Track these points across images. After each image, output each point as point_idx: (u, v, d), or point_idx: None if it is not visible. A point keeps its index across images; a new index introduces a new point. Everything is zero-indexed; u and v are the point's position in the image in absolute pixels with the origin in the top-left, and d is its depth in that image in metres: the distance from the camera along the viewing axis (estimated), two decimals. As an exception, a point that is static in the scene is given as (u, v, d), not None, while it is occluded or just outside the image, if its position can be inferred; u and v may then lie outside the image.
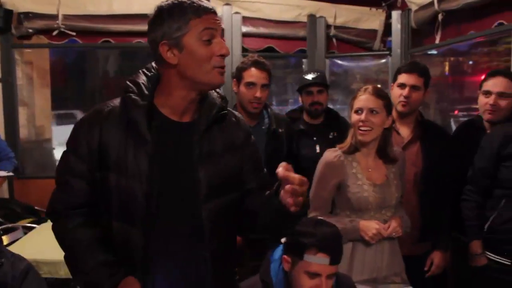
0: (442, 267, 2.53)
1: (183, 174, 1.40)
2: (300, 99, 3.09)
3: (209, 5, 1.35)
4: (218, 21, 1.36)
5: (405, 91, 2.48)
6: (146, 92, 1.39)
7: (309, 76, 2.99)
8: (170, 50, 1.34)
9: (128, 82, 1.41)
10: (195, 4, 1.33)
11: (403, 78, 2.51)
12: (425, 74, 2.53)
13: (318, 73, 3.03)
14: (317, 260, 1.64)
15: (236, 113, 1.59)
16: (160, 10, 1.34)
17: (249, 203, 1.50)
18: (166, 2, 1.35)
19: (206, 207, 1.40)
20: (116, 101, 1.43)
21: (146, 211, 1.36)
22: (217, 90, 1.50)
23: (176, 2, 1.34)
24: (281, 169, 1.25)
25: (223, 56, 1.36)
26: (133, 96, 1.37)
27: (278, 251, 1.78)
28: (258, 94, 2.51)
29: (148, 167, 1.35)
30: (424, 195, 2.51)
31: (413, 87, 2.48)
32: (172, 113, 1.41)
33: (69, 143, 1.45)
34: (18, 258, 2.00)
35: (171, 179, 1.39)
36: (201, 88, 1.40)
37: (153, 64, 1.46)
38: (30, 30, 4.10)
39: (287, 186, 1.24)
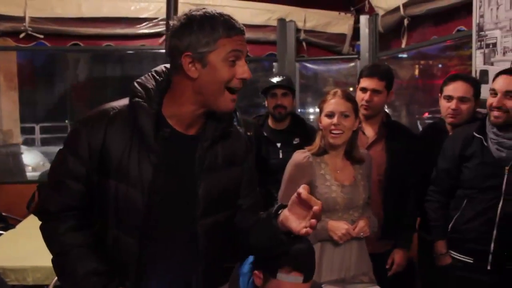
0: (403, 265, 2.58)
1: (183, 187, 1.38)
2: (266, 102, 3.11)
3: (240, 25, 1.32)
4: (245, 43, 1.33)
5: (366, 95, 2.52)
6: (155, 99, 1.34)
7: (274, 79, 3.02)
8: (192, 63, 1.29)
9: (136, 85, 1.36)
10: (227, 23, 1.29)
11: (364, 82, 2.56)
12: (387, 77, 2.57)
13: (284, 77, 3.06)
14: (291, 279, 1.60)
15: (238, 126, 1.58)
16: (190, 19, 1.29)
17: (240, 220, 1.50)
18: (198, 13, 1.30)
19: (203, 223, 1.39)
20: (122, 103, 1.38)
21: (144, 221, 1.33)
22: None
23: (208, 15, 1.29)
24: (305, 191, 1.27)
25: (244, 79, 1.33)
26: (142, 102, 1.32)
27: (247, 265, 1.75)
28: None
29: (152, 177, 1.32)
30: (388, 194, 2.56)
31: (374, 91, 2.52)
32: (178, 124, 1.37)
33: (69, 142, 1.38)
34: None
35: (171, 191, 1.37)
36: (209, 109, 1.36)
37: (163, 67, 1.42)
38: (-4, 33, 4.02)
39: (315, 208, 1.25)
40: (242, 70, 1.32)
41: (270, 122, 3.08)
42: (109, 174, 1.32)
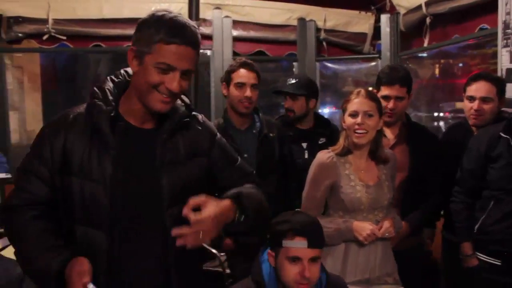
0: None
1: (146, 180, 1.43)
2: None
3: (188, 37, 1.35)
4: (181, 57, 1.35)
5: (391, 104, 2.49)
6: (110, 97, 1.42)
7: (288, 82, 2.99)
8: (134, 58, 1.38)
9: (95, 88, 1.44)
10: (172, 30, 1.33)
11: (386, 90, 2.51)
12: (407, 82, 2.53)
13: (297, 79, 3.01)
14: (295, 244, 1.66)
15: (201, 117, 1.60)
16: (147, 17, 1.38)
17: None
18: (157, 13, 1.37)
19: (170, 213, 1.43)
20: (82, 107, 1.46)
21: (110, 215, 1.38)
22: (182, 96, 1.52)
23: (157, 16, 1.36)
24: (186, 209, 1.33)
25: (170, 91, 1.37)
26: (98, 102, 1.40)
27: (266, 253, 1.79)
28: (248, 93, 2.53)
29: (112, 171, 1.38)
30: (411, 196, 2.53)
31: (397, 98, 2.50)
32: (133, 119, 1.45)
33: (34, 146, 1.47)
34: (14, 263, 1.99)
35: (134, 184, 1.42)
36: (144, 105, 1.42)
37: (123, 70, 1.51)
38: (20, 35, 4.07)
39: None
40: (171, 81, 1.36)
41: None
42: (72, 174, 1.40)
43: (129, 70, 1.50)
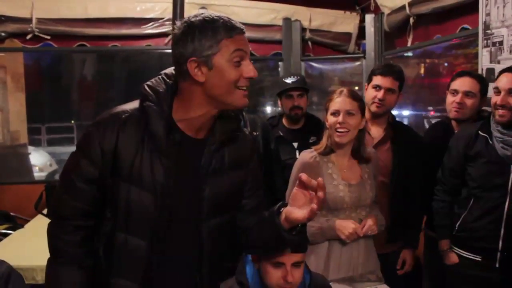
0: (413, 264, 2.60)
1: (190, 190, 1.40)
2: (279, 103, 3.09)
3: (241, 25, 1.35)
4: (247, 43, 1.35)
5: (380, 94, 2.52)
6: (166, 103, 1.36)
7: (289, 80, 2.98)
8: (198, 67, 1.31)
9: (147, 88, 1.37)
10: (227, 24, 1.32)
11: (378, 80, 2.55)
12: (400, 78, 2.58)
13: (298, 77, 3.02)
14: None
15: (245, 129, 1.60)
16: (190, 25, 1.32)
17: (242, 220, 1.52)
18: (197, 18, 1.32)
19: (207, 224, 1.41)
20: (133, 106, 1.39)
21: (155, 223, 1.35)
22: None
23: (208, 19, 1.32)
24: (305, 175, 1.30)
25: (251, 78, 1.35)
26: (154, 107, 1.34)
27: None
28: None
29: (164, 179, 1.34)
30: (394, 195, 2.55)
31: (389, 90, 2.53)
32: (188, 128, 1.39)
33: (82, 145, 1.40)
34: None
35: (180, 194, 1.39)
36: (224, 108, 1.39)
37: (173, 70, 1.43)
38: (3, 34, 4.03)
39: (319, 180, 1.27)
40: (248, 69, 1.34)
41: (285, 122, 3.07)
42: (121, 177, 1.34)
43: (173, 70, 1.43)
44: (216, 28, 1.30)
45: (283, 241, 1.40)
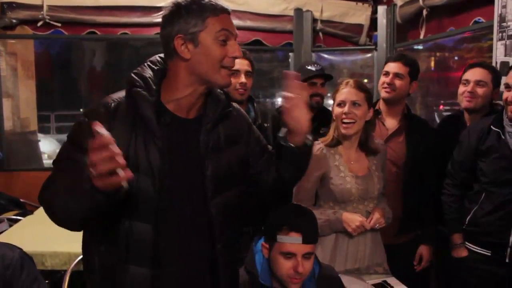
0: (429, 260, 2.62)
1: (191, 170, 1.41)
2: None
3: (227, 6, 1.38)
4: (232, 24, 1.39)
5: (388, 78, 2.53)
6: (154, 87, 1.37)
7: (312, 68, 2.94)
8: (184, 44, 1.34)
9: (134, 76, 1.38)
10: (213, 3, 1.35)
11: (387, 66, 2.59)
12: (412, 65, 2.57)
13: (320, 66, 2.98)
14: (290, 240, 1.65)
15: (235, 104, 1.60)
16: (177, 5, 1.35)
17: (266, 179, 1.57)
18: None
19: (215, 202, 1.42)
20: (121, 95, 1.39)
21: (157, 207, 1.35)
22: None
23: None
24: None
25: (235, 58, 1.38)
26: (142, 92, 1.34)
27: (260, 243, 1.80)
28: (243, 79, 2.51)
29: (160, 162, 1.34)
30: (407, 187, 2.56)
31: (396, 75, 2.54)
32: (178, 109, 1.41)
33: (73, 137, 1.37)
34: (9, 247, 1.98)
35: (180, 175, 1.39)
36: (208, 85, 1.41)
37: (158, 57, 1.46)
38: (14, 21, 4.04)
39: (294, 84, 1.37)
40: (233, 49, 1.37)
41: None
42: None
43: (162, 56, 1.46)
44: (202, 6, 1.34)
45: (298, 151, 1.46)
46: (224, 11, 1.37)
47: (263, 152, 1.60)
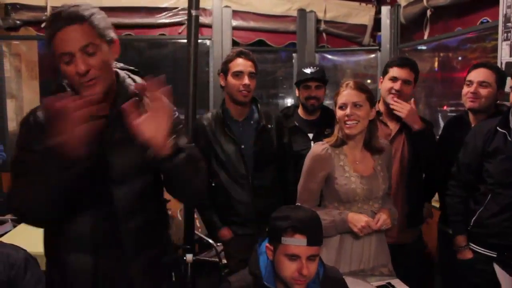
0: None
1: (97, 159, 1.40)
2: (297, 92, 3.05)
3: (61, 19, 1.35)
4: (73, 37, 1.35)
5: (397, 85, 2.51)
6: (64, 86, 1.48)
7: (308, 70, 2.93)
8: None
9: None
10: (53, 20, 1.36)
11: (395, 72, 2.54)
12: (416, 70, 2.58)
13: (317, 68, 2.97)
14: (294, 242, 1.64)
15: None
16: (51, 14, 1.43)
17: None
18: (57, 9, 1.39)
19: (120, 189, 1.48)
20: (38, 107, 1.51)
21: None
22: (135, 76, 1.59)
23: (53, 13, 1.39)
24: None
25: (81, 74, 1.36)
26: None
27: (264, 244, 1.79)
28: (246, 81, 2.51)
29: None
30: (411, 187, 2.55)
31: (405, 81, 2.52)
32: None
33: (21, 141, 1.47)
34: (14, 248, 1.99)
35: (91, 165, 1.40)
36: None
37: None
38: (18, 22, 4.06)
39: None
40: (77, 68, 1.35)
41: (300, 112, 3.02)
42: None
43: None
44: (47, 25, 1.38)
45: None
46: (61, 26, 1.35)
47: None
